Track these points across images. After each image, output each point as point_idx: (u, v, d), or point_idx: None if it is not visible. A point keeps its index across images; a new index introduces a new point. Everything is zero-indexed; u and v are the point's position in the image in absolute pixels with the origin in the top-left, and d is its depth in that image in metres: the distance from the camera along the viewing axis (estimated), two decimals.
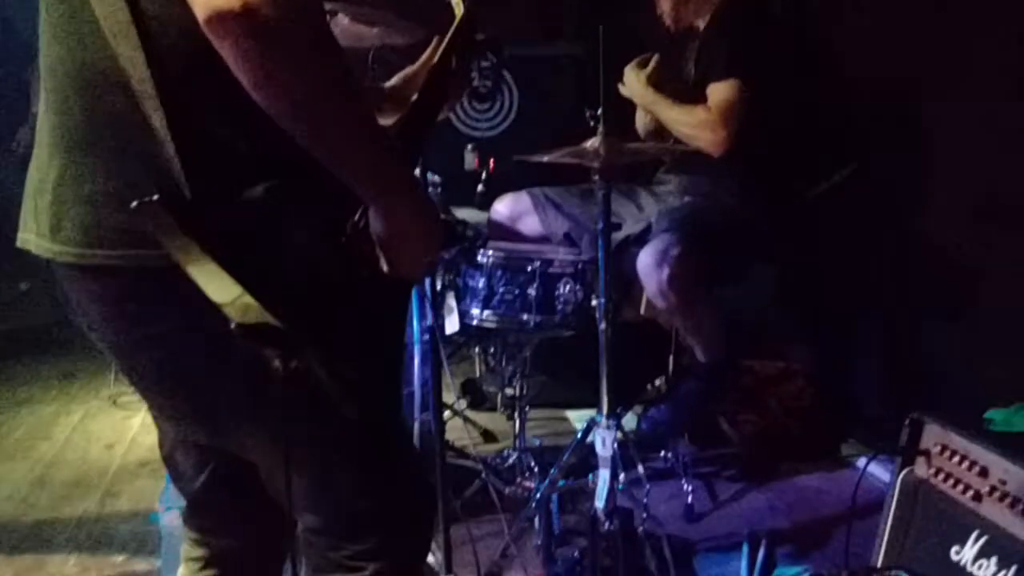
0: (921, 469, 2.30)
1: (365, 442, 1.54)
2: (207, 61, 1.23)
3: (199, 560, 1.86)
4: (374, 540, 1.60)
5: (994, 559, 2.07)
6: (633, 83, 3.45)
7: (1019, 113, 2.86)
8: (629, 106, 3.56)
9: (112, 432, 4.12)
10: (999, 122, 2.92)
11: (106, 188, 1.35)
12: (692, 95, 3.36)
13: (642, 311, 3.83)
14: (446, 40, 1.84)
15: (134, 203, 1.23)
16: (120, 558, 3.01)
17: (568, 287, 3.08)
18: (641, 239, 3.33)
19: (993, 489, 2.09)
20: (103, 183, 1.35)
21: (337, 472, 1.55)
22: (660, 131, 3.52)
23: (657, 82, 3.42)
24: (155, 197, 1.23)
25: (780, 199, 3.46)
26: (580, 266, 3.09)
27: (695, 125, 3.27)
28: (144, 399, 1.65)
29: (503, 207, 3.64)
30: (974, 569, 2.11)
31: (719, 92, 3.24)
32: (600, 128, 2.68)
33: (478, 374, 4.34)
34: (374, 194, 1.42)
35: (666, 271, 3.08)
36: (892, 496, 2.37)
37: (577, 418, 3.98)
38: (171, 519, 2.92)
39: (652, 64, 3.46)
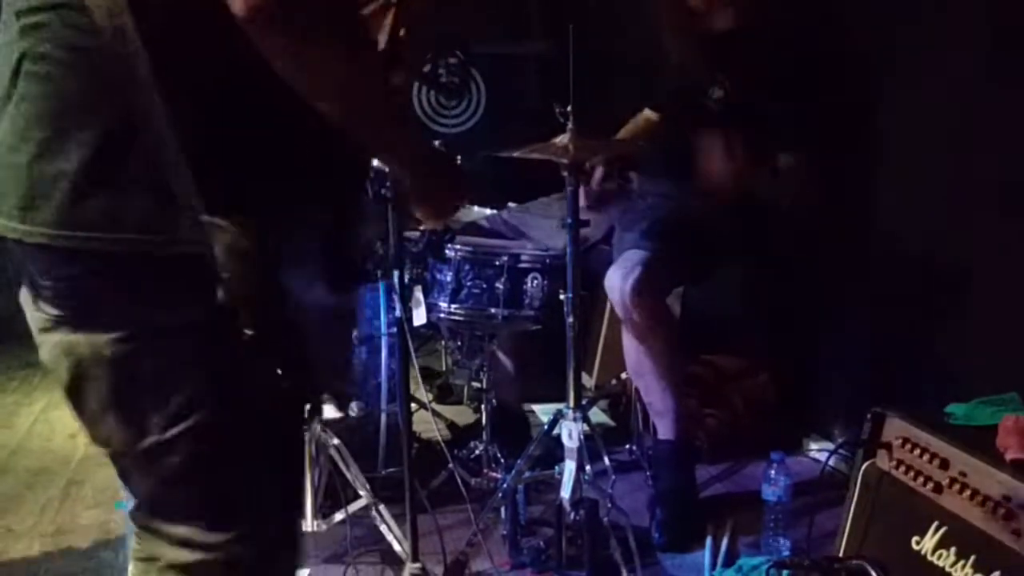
0: (882, 461, 2.34)
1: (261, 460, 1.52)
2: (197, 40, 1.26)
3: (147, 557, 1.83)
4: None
5: (953, 549, 2.11)
6: None
7: (984, 109, 2.90)
8: (597, 104, 3.54)
9: (75, 421, 4.08)
10: (966, 116, 2.95)
11: (87, 168, 1.32)
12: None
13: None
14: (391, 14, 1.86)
15: (204, 216, 1.29)
16: (85, 546, 3.00)
17: (536, 282, 3.10)
18: (607, 238, 3.35)
19: (953, 481, 2.13)
20: (83, 163, 1.32)
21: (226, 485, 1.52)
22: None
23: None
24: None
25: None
26: (548, 261, 3.11)
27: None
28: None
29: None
30: (934, 559, 2.14)
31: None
32: (569, 124, 2.70)
33: (444, 368, 4.35)
34: (407, 161, 1.67)
35: (631, 284, 3.01)
36: (854, 488, 2.41)
37: (543, 411, 4.00)
38: None
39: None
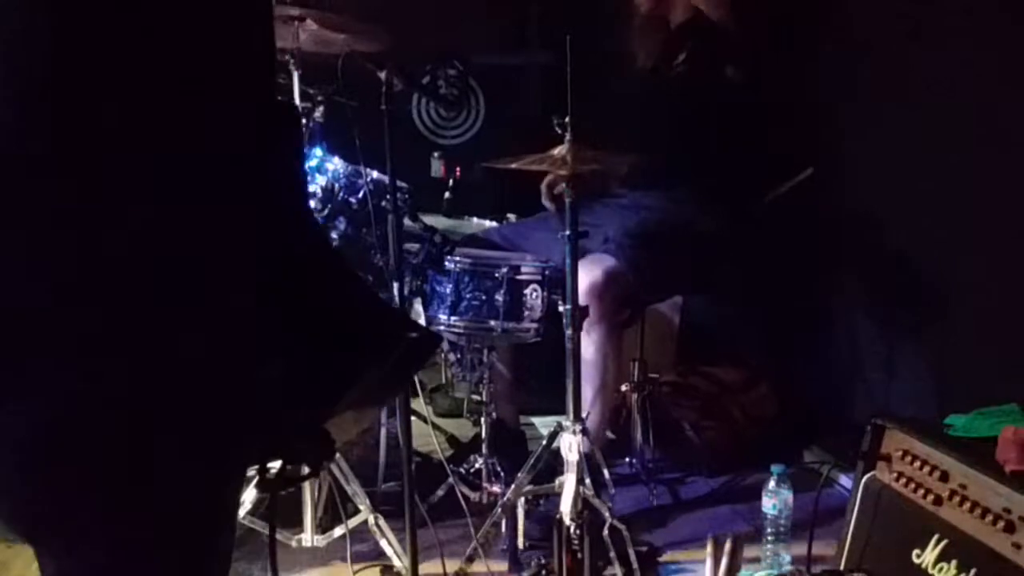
0: (883, 473, 2.34)
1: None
2: None
3: None
4: None
5: (954, 562, 2.11)
6: None
7: (981, 117, 2.90)
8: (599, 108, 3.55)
9: None
10: (959, 126, 2.96)
11: None
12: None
13: None
14: None
15: None
16: None
17: (535, 294, 3.09)
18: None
19: (953, 493, 2.13)
20: None
21: None
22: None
23: None
24: None
25: (738, 204, 3.49)
26: (547, 273, 3.11)
27: None
28: None
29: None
30: (935, 572, 2.14)
31: None
32: (567, 136, 2.70)
33: (444, 380, 4.34)
34: None
35: (596, 281, 3.11)
36: (854, 500, 2.41)
37: (543, 424, 3.99)
38: None
39: None
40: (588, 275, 3.08)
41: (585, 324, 2.96)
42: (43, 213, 1.10)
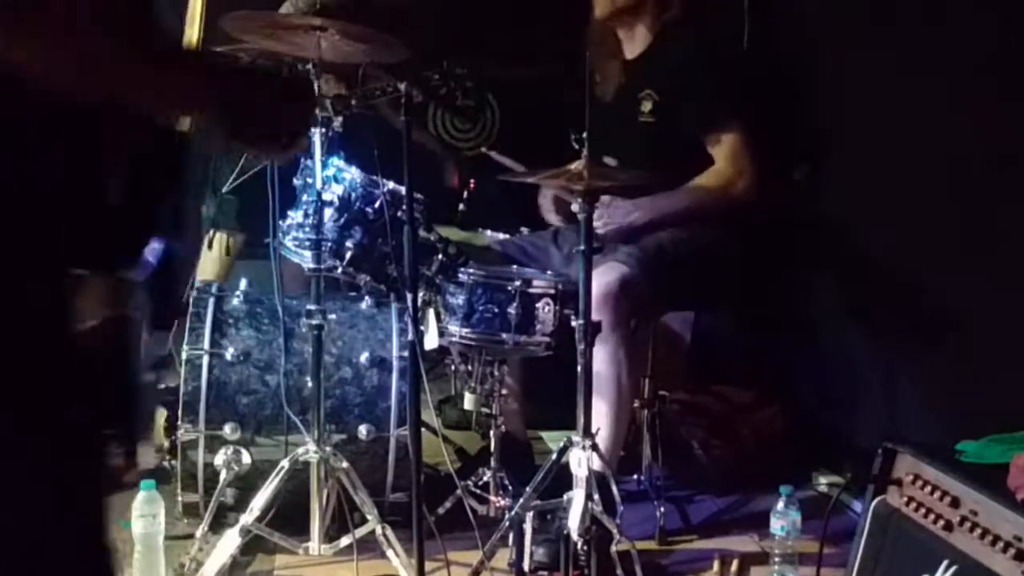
0: (893, 498, 2.33)
1: None
2: None
3: None
4: None
5: None
6: None
7: (980, 121, 2.90)
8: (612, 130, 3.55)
9: None
10: (974, 145, 2.95)
11: None
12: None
13: None
14: None
15: None
16: None
17: (548, 308, 3.09)
18: None
19: (964, 519, 2.12)
20: None
21: None
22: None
23: None
24: None
25: (743, 220, 3.49)
26: (560, 287, 3.11)
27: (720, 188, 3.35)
28: None
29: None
30: None
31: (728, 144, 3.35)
32: (584, 151, 2.70)
33: (454, 392, 4.34)
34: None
35: (611, 288, 3.10)
36: (864, 524, 2.40)
37: (552, 439, 3.98)
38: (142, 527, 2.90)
39: None
40: (602, 282, 3.06)
41: (597, 337, 2.96)
42: None
